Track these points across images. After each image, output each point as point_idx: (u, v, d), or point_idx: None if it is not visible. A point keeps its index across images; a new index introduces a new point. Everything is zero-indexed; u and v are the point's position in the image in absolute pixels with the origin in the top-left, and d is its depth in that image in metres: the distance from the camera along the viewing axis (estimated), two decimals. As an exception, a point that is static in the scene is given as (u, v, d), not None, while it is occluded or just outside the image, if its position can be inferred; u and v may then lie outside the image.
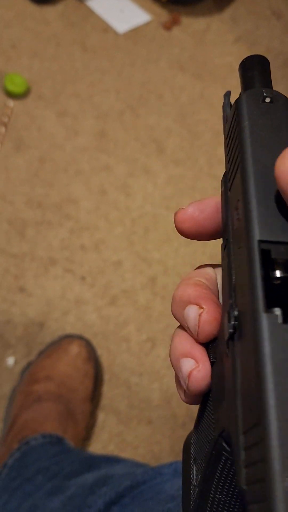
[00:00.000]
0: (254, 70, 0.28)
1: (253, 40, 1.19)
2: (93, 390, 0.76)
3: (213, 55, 1.16)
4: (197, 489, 0.25)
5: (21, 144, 0.99)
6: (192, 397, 0.24)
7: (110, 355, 0.84)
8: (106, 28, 1.15)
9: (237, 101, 0.26)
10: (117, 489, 0.46)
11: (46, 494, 0.52)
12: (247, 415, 0.20)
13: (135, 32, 1.15)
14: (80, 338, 0.79)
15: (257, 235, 0.22)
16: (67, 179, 0.97)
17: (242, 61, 0.28)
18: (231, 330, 0.22)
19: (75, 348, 0.76)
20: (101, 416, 0.80)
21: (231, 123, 0.27)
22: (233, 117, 0.26)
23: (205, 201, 0.26)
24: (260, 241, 0.22)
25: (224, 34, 1.19)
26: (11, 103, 1.02)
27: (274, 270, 0.22)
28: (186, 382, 0.23)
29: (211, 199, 0.26)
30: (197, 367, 0.23)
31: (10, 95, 1.02)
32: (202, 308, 0.24)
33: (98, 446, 0.79)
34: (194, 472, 0.26)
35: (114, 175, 0.99)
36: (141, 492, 0.45)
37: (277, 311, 0.20)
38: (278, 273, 0.22)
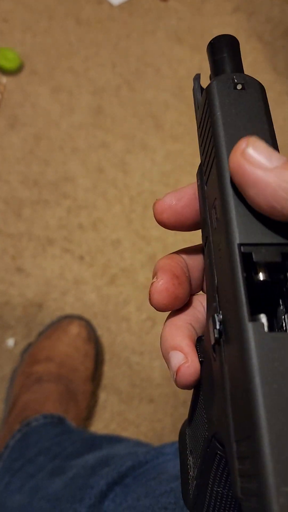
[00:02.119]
0: (223, 52, 0.27)
1: (252, 9, 1.15)
2: (93, 370, 0.76)
3: (211, 26, 1.12)
4: (195, 482, 0.25)
5: (16, 122, 0.97)
6: (182, 387, 0.24)
7: (110, 335, 0.84)
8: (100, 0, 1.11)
9: (207, 89, 0.25)
10: (119, 469, 0.46)
11: (47, 475, 0.52)
12: (238, 425, 0.19)
13: (130, 3, 1.11)
14: (80, 318, 0.78)
15: (237, 238, 0.21)
16: (63, 157, 0.95)
17: (210, 41, 0.27)
18: (217, 336, 0.21)
19: (74, 328, 0.76)
20: (102, 396, 0.80)
21: (202, 112, 0.26)
22: (204, 106, 0.25)
23: (182, 190, 0.26)
24: (241, 245, 0.21)
25: (222, 4, 1.15)
26: (4, 79, 0.99)
27: (257, 273, 0.21)
28: (174, 376, 0.23)
29: (188, 188, 0.26)
30: (186, 363, 0.23)
31: (3, 70, 0.99)
32: (157, 278, 0.25)
33: (100, 425, 0.79)
34: (191, 463, 0.26)
35: (111, 152, 0.97)
36: (144, 472, 0.45)
37: (262, 318, 0.19)
38: (261, 276, 0.21)
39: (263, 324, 0.19)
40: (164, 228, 0.26)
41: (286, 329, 0.19)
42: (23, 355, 0.77)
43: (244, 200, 0.21)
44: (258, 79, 0.25)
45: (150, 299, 0.24)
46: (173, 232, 0.93)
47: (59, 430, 0.61)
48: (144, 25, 1.10)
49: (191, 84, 0.28)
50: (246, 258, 0.21)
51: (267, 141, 0.23)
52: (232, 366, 0.20)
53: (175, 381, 0.23)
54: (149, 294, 0.25)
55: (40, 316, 0.84)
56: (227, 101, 0.24)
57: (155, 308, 0.25)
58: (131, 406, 0.80)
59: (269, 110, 0.24)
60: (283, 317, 0.19)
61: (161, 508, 0.37)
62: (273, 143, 0.23)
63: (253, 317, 0.19)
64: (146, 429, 0.79)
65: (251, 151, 0.20)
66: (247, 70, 0.26)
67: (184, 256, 0.27)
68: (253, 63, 1.10)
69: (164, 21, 1.11)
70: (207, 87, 0.25)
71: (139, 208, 0.93)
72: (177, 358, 0.23)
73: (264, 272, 0.21)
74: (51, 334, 0.76)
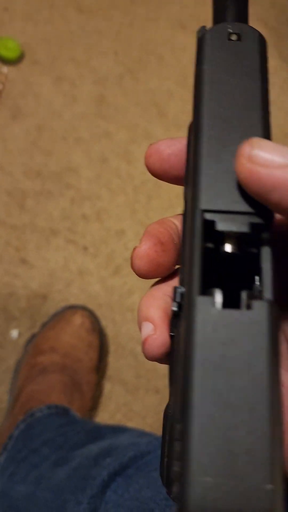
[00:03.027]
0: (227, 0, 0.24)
1: (256, -5, 1.13)
2: (98, 360, 0.76)
3: (215, 12, 1.10)
4: (165, 459, 0.25)
5: (18, 113, 0.96)
6: (149, 359, 0.24)
7: (115, 326, 0.83)
8: (102, -13, 1.09)
9: (199, 40, 0.22)
10: (121, 460, 0.46)
11: (51, 465, 0.52)
12: (179, 405, 0.18)
13: (133, -10, 1.10)
14: (83, 308, 0.78)
15: (201, 203, 0.19)
16: (66, 148, 0.95)
17: None
18: (174, 309, 0.20)
19: (78, 319, 0.75)
20: (108, 386, 0.80)
21: (196, 66, 0.23)
22: (196, 58, 0.23)
23: (176, 138, 0.24)
24: (204, 211, 0.19)
25: (226, -10, 1.13)
26: (5, 69, 0.98)
27: (223, 244, 0.19)
28: (142, 347, 0.23)
29: (183, 138, 0.24)
30: (153, 335, 0.22)
31: (4, 60, 0.98)
32: (140, 242, 0.23)
33: (105, 416, 0.78)
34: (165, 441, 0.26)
35: (114, 142, 0.96)
36: (146, 463, 0.44)
37: (217, 293, 0.17)
38: (227, 248, 0.19)
39: (213, 299, 0.17)
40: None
41: (241, 306, 0.17)
42: (27, 347, 0.77)
43: (218, 164, 0.19)
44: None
45: (131, 265, 0.24)
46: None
47: (63, 421, 0.61)
48: (147, 12, 1.08)
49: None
50: (209, 226, 0.19)
51: (256, 103, 0.20)
52: (182, 342, 0.19)
53: (143, 351, 0.23)
54: (131, 259, 0.24)
55: (45, 308, 0.84)
56: (218, 54, 0.21)
57: (136, 275, 0.24)
58: (137, 397, 0.80)
59: (266, 66, 0.22)
60: (241, 293, 0.17)
61: (162, 499, 0.37)
62: (263, 105, 0.21)
63: (209, 290, 0.17)
64: (151, 420, 0.79)
65: (260, 153, 0.18)
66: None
67: (177, 222, 0.25)
68: (258, 49, 1.08)
69: (167, 8, 1.09)
70: (200, 36, 0.23)
71: (143, 198, 0.92)
72: (146, 329, 0.22)
73: (232, 243, 0.19)
74: (54, 324, 0.76)
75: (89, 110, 0.98)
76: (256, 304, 0.17)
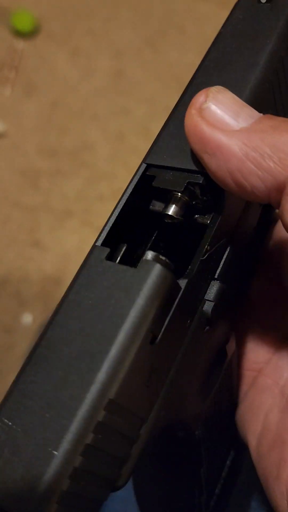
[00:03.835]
0: None
1: None
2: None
3: (240, -20, 1.04)
4: None
5: (33, 89, 0.92)
6: None
7: (132, 311, 0.80)
8: None
9: (236, 1, 0.21)
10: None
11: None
12: None
13: None
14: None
15: (149, 157, 0.18)
16: (82, 125, 0.90)
17: None
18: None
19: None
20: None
21: None
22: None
23: None
24: (148, 165, 0.18)
25: None
26: (20, 44, 0.94)
27: (169, 205, 0.18)
28: None
29: None
30: None
31: (19, 34, 0.94)
32: None
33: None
34: None
35: (133, 119, 0.91)
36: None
37: (119, 248, 0.17)
38: (170, 210, 0.18)
39: (112, 252, 0.17)
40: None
41: (138, 264, 0.16)
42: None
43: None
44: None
45: None
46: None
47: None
48: (168, -19, 1.03)
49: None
50: (149, 181, 0.18)
51: (254, 68, 0.18)
52: None
53: None
54: None
55: (58, 292, 0.80)
56: (241, 16, 0.20)
57: None
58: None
59: None
60: (146, 252, 0.16)
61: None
62: (263, 70, 0.18)
63: (116, 245, 0.17)
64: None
65: (211, 107, 0.15)
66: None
67: None
68: None
69: (189, -24, 1.03)
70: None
71: (162, 177, 0.87)
72: None
73: (178, 207, 0.18)
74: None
75: (106, 85, 0.93)
76: (147, 264, 0.16)
